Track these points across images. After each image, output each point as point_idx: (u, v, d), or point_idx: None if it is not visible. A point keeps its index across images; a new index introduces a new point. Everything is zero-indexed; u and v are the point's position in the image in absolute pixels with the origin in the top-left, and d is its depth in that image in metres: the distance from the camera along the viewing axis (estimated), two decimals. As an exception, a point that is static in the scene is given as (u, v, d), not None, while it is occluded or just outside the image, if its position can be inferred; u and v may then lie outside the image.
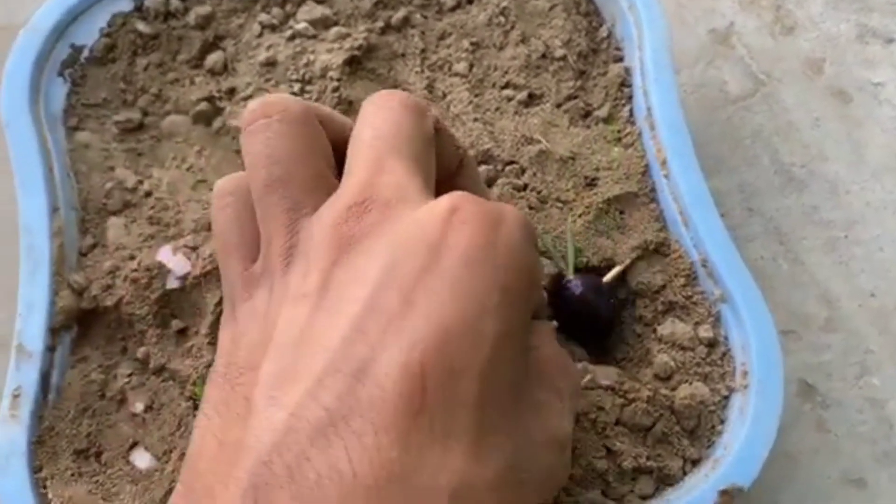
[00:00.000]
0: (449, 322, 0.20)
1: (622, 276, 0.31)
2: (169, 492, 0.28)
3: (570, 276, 0.30)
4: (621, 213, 0.32)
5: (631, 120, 0.35)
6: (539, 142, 0.33)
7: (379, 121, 0.24)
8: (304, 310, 0.21)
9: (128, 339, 0.31)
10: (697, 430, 0.29)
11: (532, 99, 0.35)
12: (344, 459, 0.18)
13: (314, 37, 0.36)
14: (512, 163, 0.33)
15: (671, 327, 0.30)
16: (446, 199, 0.22)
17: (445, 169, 0.26)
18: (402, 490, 0.18)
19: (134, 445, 0.29)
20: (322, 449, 0.18)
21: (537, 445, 0.22)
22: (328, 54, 0.35)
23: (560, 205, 0.32)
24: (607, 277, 0.30)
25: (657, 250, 0.32)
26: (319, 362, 0.20)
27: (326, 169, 0.25)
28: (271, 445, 0.19)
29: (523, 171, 0.33)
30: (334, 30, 0.36)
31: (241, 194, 0.25)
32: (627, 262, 0.31)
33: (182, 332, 0.31)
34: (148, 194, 0.33)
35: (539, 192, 0.33)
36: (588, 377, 0.29)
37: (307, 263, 0.22)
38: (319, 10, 0.36)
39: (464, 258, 0.21)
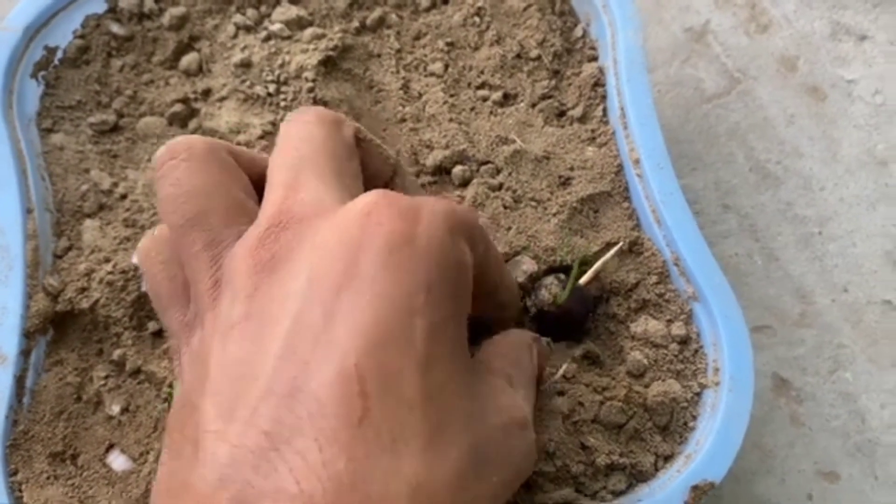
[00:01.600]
0: (375, 327, 0.20)
1: (595, 275, 0.31)
2: (146, 493, 0.28)
3: (562, 300, 0.30)
4: (595, 211, 0.32)
5: (605, 119, 0.35)
6: (514, 141, 0.34)
7: (294, 139, 0.24)
8: (234, 340, 0.21)
9: (104, 342, 0.31)
10: (670, 426, 0.29)
11: (507, 99, 0.36)
12: (290, 480, 0.18)
13: (289, 38, 0.36)
14: (487, 162, 0.34)
15: (644, 325, 0.31)
16: (360, 201, 0.22)
17: (379, 180, 0.26)
18: (354, 498, 0.18)
19: (110, 448, 0.29)
20: (266, 475, 0.18)
21: (495, 429, 0.22)
22: (303, 55, 0.35)
23: (534, 204, 0.33)
24: (584, 279, 0.30)
25: (630, 249, 0.32)
26: (255, 390, 0.19)
27: (244, 198, 0.24)
28: (216, 481, 0.19)
29: (498, 170, 0.33)
30: (309, 30, 0.36)
31: (163, 247, 0.25)
32: (606, 258, 0.31)
33: (158, 334, 0.31)
34: (123, 196, 0.33)
35: (514, 192, 0.33)
36: (564, 367, 0.29)
37: (232, 293, 0.22)
38: (294, 11, 0.36)
39: (381, 261, 0.20)
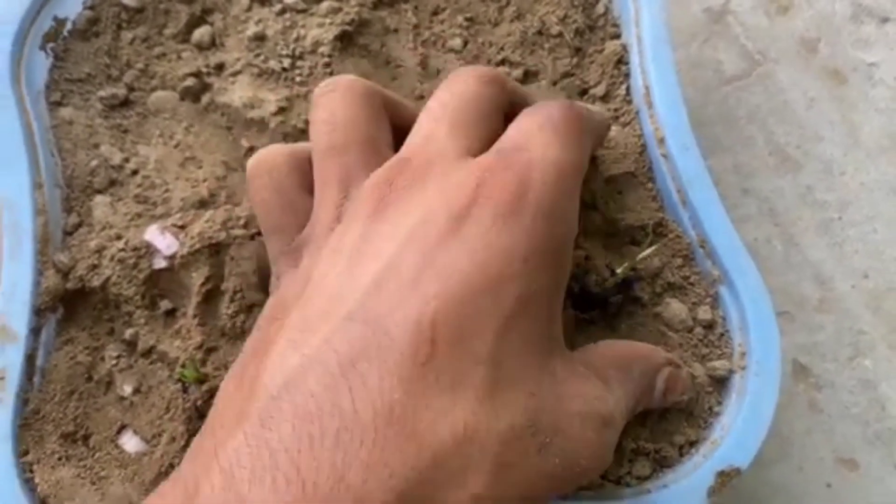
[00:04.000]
0: (463, 284, 0.21)
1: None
2: (159, 475, 0.28)
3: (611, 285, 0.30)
4: (619, 193, 0.32)
5: (628, 98, 0.34)
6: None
7: (446, 92, 0.26)
8: (337, 265, 0.22)
9: (115, 321, 0.30)
10: (695, 411, 0.29)
11: (528, 76, 0.35)
12: (347, 398, 0.19)
13: (304, 11, 0.35)
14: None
15: (669, 308, 0.30)
16: (478, 165, 0.23)
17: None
18: (401, 429, 0.19)
19: (122, 428, 0.29)
20: (327, 387, 0.19)
21: (570, 414, 0.22)
22: (319, 29, 0.34)
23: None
24: (641, 256, 0.30)
25: (654, 231, 0.31)
26: (339, 313, 0.21)
27: (383, 144, 0.26)
28: (282, 383, 0.20)
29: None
30: (325, 4, 0.35)
31: (277, 171, 0.26)
32: (657, 244, 0.30)
33: (170, 314, 0.30)
34: (134, 172, 0.33)
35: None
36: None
37: (347, 222, 0.23)
38: (310, -16, 0.35)
39: (485, 228, 0.21)
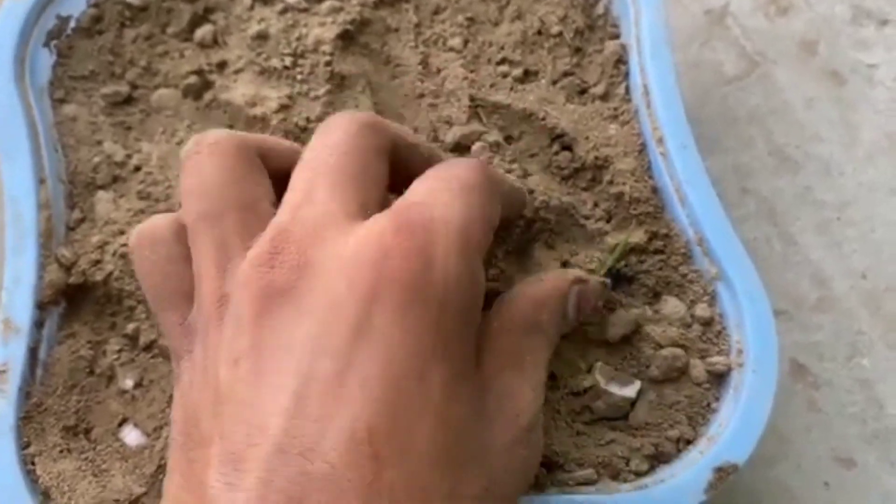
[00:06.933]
0: (388, 384, 0.19)
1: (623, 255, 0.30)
2: (159, 468, 0.28)
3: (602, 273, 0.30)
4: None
5: (627, 97, 0.34)
6: (535, 119, 0.33)
7: (321, 145, 0.23)
8: (241, 377, 0.20)
9: (117, 315, 0.30)
10: (693, 407, 0.29)
11: (527, 75, 0.35)
12: None
13: (306, 10, 0.35)
14: (508, 139, 0.33)
15: (666, 306, 0.30)
16: (372, 232, 0.20)
17: (413, 176, 0.24)
18: None
19: (123, 422, 0.29)
20: None
21: (506, 451, 0.22)
22: (321, 28, 0.34)
23: (555, 182, 0.32)
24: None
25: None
26: (266, 442, 0.19)
27: (263, 203, 0.23)
28: None
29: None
30: (327, 3, 0.35)
31: (160, 243, 0.24)
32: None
33: (172, 309, 0.30)
34: (137, 169, 0.33)
35: (534, 170, 0.32)
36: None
37: (237, 315, 0.21)
38: (312, -17, 0.35)
39: (394, 313, 0.20)
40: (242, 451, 0.19)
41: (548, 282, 0.26)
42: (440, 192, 0.22)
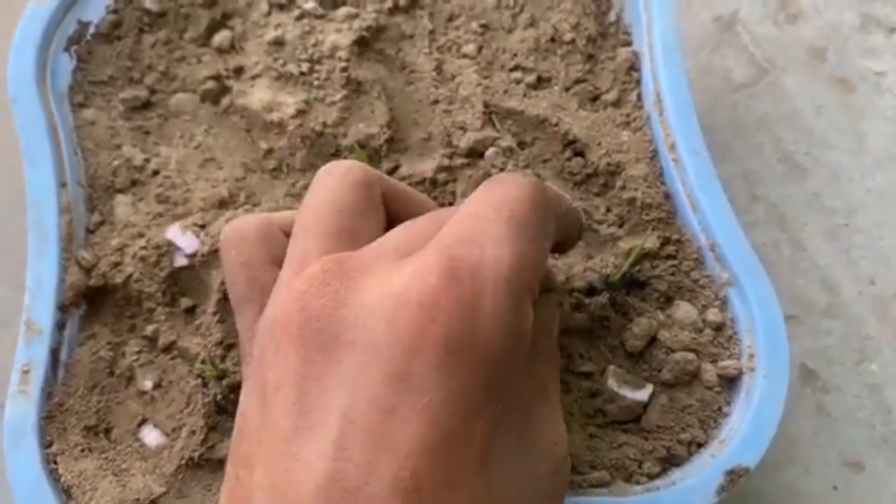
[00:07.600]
0: (432, 430, 0.19)
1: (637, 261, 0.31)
2: (178, 469, 0.28)
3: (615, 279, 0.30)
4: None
5: (639, 104, 0.35)
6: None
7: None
8: (285, 416, 0.20)
9: (136, 317, 0.31)
10: (704, 411, 0.29)
11: (540, 82, 0.35)
12: None
13: (322, 17, 0.36)
14: (522, 144, 0.33)
15: (678, 311, 0.31)
16: (419, 283, 0.20)
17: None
18: None
19: (143, 422, 0.29)
20: None
21: (548, 480, 0.22)
22: (337, 34, 0.35)
23: (569, 188, 0.32)
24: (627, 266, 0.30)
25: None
26: (309, 488, 0.19)
27: (363, 236, 0.23)
28: None
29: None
30: (343, 10, 0.36)
31: (245, 243, 0.25)
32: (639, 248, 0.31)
33: (190, 311, 0.31)
34: (156, 172, 0.33)
35: (547, 175, 0.33)
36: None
37: (276, 361, 0.21)
38: (328, -10, 0.36)
39: (438, 362, 0.19)
40: (284, 493, 0.19)
41: (544, 303, 0.25)
42: (490, 225, 0.21)
